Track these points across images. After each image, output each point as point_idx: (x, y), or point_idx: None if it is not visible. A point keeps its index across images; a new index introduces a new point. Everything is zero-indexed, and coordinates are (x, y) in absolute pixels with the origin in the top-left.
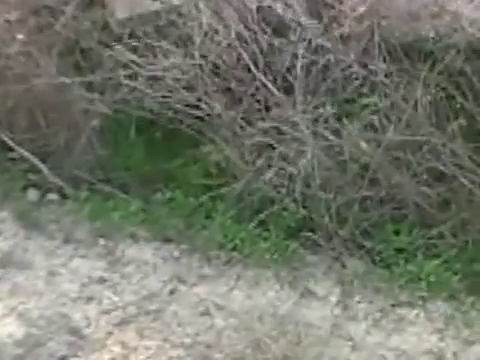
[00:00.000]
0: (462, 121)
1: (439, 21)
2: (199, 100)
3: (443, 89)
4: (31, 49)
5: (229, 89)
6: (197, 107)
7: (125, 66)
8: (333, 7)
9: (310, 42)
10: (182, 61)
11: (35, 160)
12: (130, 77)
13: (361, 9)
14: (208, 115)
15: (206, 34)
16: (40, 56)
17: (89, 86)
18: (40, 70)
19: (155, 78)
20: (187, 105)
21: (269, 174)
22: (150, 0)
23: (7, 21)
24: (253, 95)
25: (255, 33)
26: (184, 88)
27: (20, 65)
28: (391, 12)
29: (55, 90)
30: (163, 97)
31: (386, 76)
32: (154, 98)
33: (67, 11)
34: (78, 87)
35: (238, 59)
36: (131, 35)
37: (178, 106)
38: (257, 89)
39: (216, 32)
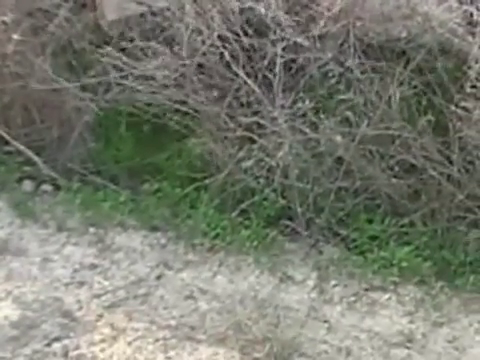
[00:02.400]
0: (431, 117)
1: (411, 22)
2: (186, 96)
3: (414, 86)
4: (26, 49)
5: (213, 86)
6: (184, 103)
7: (115, 66)
8: (310, 8)
9: (289, 41)
10: (169, 60)
11: (30, 153)
12: (121, 76)
13: (336, 9)
14: (194, 111)
15: (191, 35)
16: (35, 56)
17: (82, 84)
18: (35, 69)
19: (144, 77)
20: (174, 101)
21: (248, 164)
22: (137, 3)
23: (3, 22)
24: (236, 91)
25: (237, 34)
26: (172, 86)
27: (16, 64)
28: (365, 13)
29: (49, 88)
30: (152, 93)
31: (361, 73)
32: (143, 95)
33: (60, 13)
34: (71, 85)
35: (221, 58)
36: (121, 36)
37: (166, 102)
38: (239, 86)
39: (200, 33)
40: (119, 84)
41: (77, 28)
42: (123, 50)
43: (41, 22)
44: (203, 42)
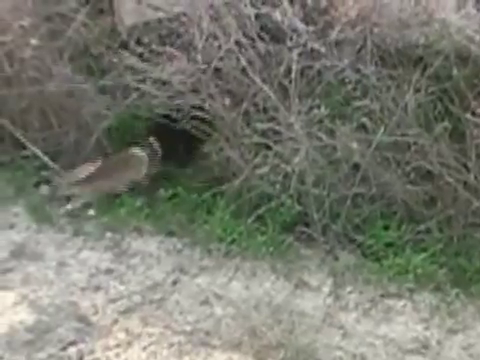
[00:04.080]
0: (447, 124)
1: (428, 29)
2: (203, 102)
3: (431, 93)
4: (44, 54)
5: (230, 92)
6: (200, 109)
7: (133, 71)
8: (327, 13)
9: (305, 47)
10: (186, 66)
11: (46, 158)
12: (137, 81)
13: (353, 15)
14: (211, 116)
15: (207, 40)
16: (52, 60)
17: (99, 89)
18: (52, 74)
19: (161, 82)
20: (191, 107)
21: (264, 170)
22: (154, 9)
23: (21, 27)
24: (252, 97)
25: (253, 40)
26: (188, 91)
27: (33, 68)
28: (382, 19)
29: (66, 92)
30: (169, 98)
31: (378, 80)
32: (160, 100)
33: (78, 18)
34: (88, 90)
35: (237, 64)
36: (138, 41)
37: (183, 108)
38: (255, 92)
39: (216, 38)
40: (136, 89)
41: (94, 33)
42: (140, 55)
43: (59, 27)
44: (219, 48)
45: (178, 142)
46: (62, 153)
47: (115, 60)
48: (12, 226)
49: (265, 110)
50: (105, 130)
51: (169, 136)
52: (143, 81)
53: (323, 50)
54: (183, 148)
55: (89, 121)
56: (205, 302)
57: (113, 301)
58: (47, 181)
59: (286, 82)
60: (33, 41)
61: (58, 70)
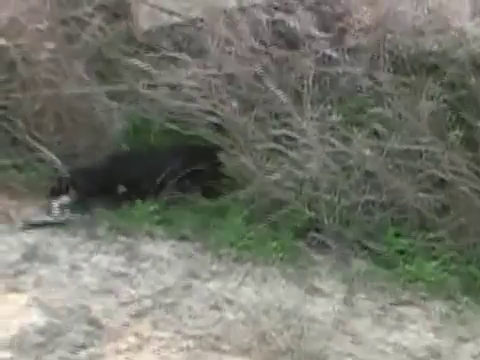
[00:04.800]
0: (459, 132)
1: (443, 36)
2: (215, 107)
3: (445, 101)
4: (59, 57)
5: (243, 97)
6: (213, 114)
7: (146, 75)
8: (342, 20)
9: (320, 53)
10: (199, 71)
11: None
12: (151, 86)
13: (368, 23)
14: (224, 121)
15: (221, 45)
16: (68, 64)
17: (112, 93)
18: (68, 77)
19: (174, 87)
20: (204, 112)
21: (277, 175)
22: (170, 14)
23: (38, 30)
24: (266, 103)
25: (267, 45)
26: (201, 96)
27: (49, 71)
28: (397, 27)
29: (81, 96)
30: (182, 103)
31: (391, 87)
32: (173, 105)
33: (94, 22)
34: (102, 94)
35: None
36: (153, 46)
37: (196, 113)
38: (269, 98)
39: (231, 44)
40: (150, 94)
41: (110, 37)
42: (155, 60)
43: (75, 30)
44: (233, 53)
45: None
46: (77, 156)
47: (129, 64)
48: None
49: (278, 116)
50: (119, 133)
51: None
52: (156, 86)
53: (337, 57)
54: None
55: (103, 125)
56: (216, 307)
57: (124, 305)
58: None
59: (300, 88)
60: (49, 45)
61: (73, 73)
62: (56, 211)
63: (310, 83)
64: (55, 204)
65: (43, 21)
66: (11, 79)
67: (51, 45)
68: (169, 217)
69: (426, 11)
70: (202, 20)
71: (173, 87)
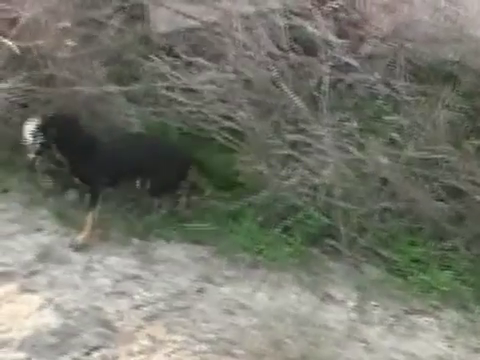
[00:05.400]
0: (475, 141)
1: (460, 45)
2: (232, 112)
3: (461, 109)
4: (79, 57)
5: (260, 102)
6: (230, 118)
7: (164, 78)
8: (360, 27)
9: (337, 60)
10: (217, 75)
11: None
12: (168, 89)
13: (385, 30)
14: (240, 126)
15: (239, 50)
16: (87, 64)
17: (129, 95)
18: (86, 77)
19: (191, 90)
20: (221, 116)
21: (292, 181)
22: (187, 17)
23: (58, 29)
24: (282, 108)
25: (285, 51)
26: (218, 101)
27: (69, 70)
28: (414, 35)
29: (99, 96)
30: (199, 108)
31: (408, 95)
32: (190, 109)
33: (112, 24)
34: (119, 95)
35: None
36: (170, 49)
37: (213, 117)
38: (286, 103)
39: (248, 49)
40: (166, 97)
41: (128, 39)
42: (171, 63)
43: (93, 32)
44: (251, 58)
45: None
46: None
47: (146, 67)
48: (39, 229)
49: (295, 122)
50: None
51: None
52: (173, 89)
53: (355, 63)
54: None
55: (119, 128)
56: (229, 311)
57: (138, 307)
58: (75, 186)
59: (317, 94)
60: (69, 42)
61: (92, 74)
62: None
63: (327, 89)
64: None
65: (63, 22)
66: (31, 78)
67: (71, 44)
68: (184, 220)
69: (443, 20)
70: (219, 24)
71: (190, 90)
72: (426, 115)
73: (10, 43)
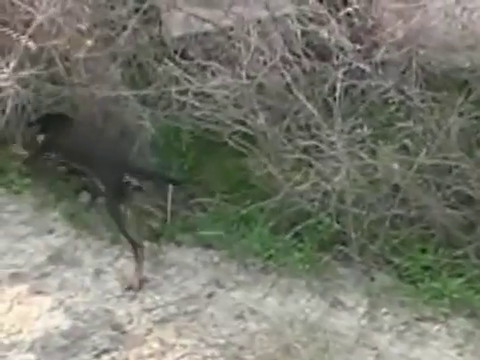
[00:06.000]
0: None
1: (475, 53)
2: (245, 117)
3: (475, 118)
4: (96, 58)
5: (273, 107)
6: (242, 123)
7: (177, 82)
8: (374, 33)
9: (351, 66)
10: (230, 80)
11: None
12: (181, 93)
13: (399, 36)
14: (253, 131)
15: (253, 55)
16: (103, 66)
17: (143, 99)
18: (102, 79)
19: (204, 95)
20: (233, 121)
21: (304, 187)
22: (202, 21)
23: (78, 30)
24: (295, 114)
25: (298, 56)
26: (231, 105)
27: (86, 71)
28: (429, 41)
29: (114, 99)
30: (212, 112)
31: (422, 102)
32: (203, 113)
33: (129, 26)
34: (133, 99)
35: (282, 80)
36: (184, 53)
37: (225, 122)
38: (299, 109)
39: (262, 53)
40: (180, 101)
41: (144, 41)
42: (185, 67)
43: (108, 34)
44: (265, 63)
45: None
46: None
47: (160, 70)
48: (51, 231)
49: (307, 127)
50: (149, 140)
51: None
52: (186, 93)
53: (368, 70)
54: None
55: (133, 130)
56: (240, 316)
57: (148, 311)
58: (87, 188)
59: (330, 100)
60: (88, 42)
61: (108, 76)
62: None
63: (340, 95)
64: None
65: (80, 22)
66: (46, 76)
67: (89, 44)
68: (194, 224)
69: (458, 27)
70: (233, 29)
71: (203, 95)
72: (439, 122)
73: (26, 40)
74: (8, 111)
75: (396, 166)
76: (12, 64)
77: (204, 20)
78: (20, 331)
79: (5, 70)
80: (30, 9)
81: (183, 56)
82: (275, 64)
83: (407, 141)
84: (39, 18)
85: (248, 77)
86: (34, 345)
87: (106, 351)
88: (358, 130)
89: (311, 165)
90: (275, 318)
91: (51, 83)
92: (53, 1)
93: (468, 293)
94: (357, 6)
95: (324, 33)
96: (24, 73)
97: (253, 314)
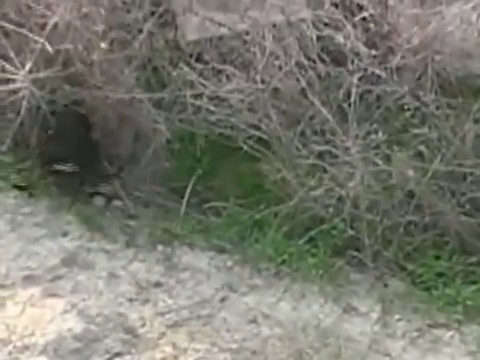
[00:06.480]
0: None
1: None
2: (259, 121)
3: None
4: (111, 61)
5: (287, 112)
6: (257, 128)
7: (192, 86)
8: (390, 39)
9: (366, 71)
10: (245, 84)
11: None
12: (195, 97)
13: (415, 42)
14: (267, 135)
15: (268, 59)
16: (119, 69)
17: (158, 102)
18: (117, 81)
19: (219, 99)
20: (248, 125)
21: (318, 192)
22: (217, 25)
23: (94, 33)
24: (310, 119)
25: (314, 61)
26: (246, 110)
27: (101, 74)
28: (445, 48)
29: (128, 102)
30: (226, 116)
31: (437, 108)
32: (218, 117)
33: (144, 29)
34: (148, 102)
35: (297, 85)
36: (199, 57)
37: (240, 126)
38: (313, 114)
39: (277, 58)
40: (195, 105)
41: (159, 45)
42: (200, 71)
43: (124, 36)
44: (280, 68)
45: None
46: (119, 163)
47: (175, 74)
48: (65, 234)
49: (322, 132)
50: (164, 143)
51: None
52: (201, 97)
53: (383, 75)
54: None
55: (148, 133)
56: (252, 321)
57: (161, 314)
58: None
59: (345, 105)
60: (103, 45)
61: (124, 79)
62: None
63: (355, 101)
64: None
65: (95, 25)
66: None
67: (105, 47)
68: (208, 228)
69: (475, 33)
70: (249, 33)
71: (218, 99)
72: (454, 129)
73: (42, 41)
74: (23, 112)
75: (411, 172)
76: (28, 65)
77: (220, 24)
78: (33, 334)
79: (21, 71)
80: (46, 12)
81: (198, 60)
82: (290, 69)
83: (422, 147)
84: (55, 20)
85: (263, 81)
86: (47, 348)
87: (118, 354)
88: (373, 136)
89: (325, 170)
90: (288, 323)
91: (67, 85)
92: (69, 4)
93: None
94: (373, 11)
95: (340, 38)
96: (40, 74)
97: (266, 319)
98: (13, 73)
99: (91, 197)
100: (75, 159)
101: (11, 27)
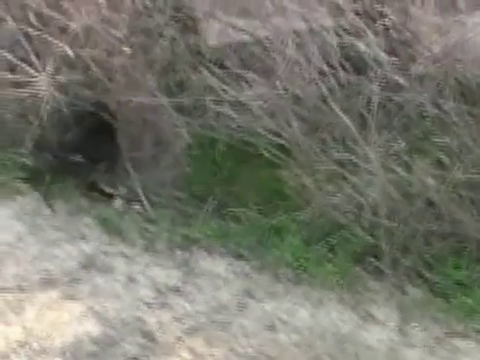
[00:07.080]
0: None
1: None
2: (280, 128)
3: None
4: (133, 65)
5: (308, 119)
6: (277, 134)
7: (213, 91)
8: (411, 47)
9: (387, 79)
10: (265, 91)
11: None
12: (216, 102)
13: (436, 50)
14: (288, 142)
15: (289, 66)
16: (140, 73)
17: (179, 107)
18: (139, 86)
19: (239, 104)
20: (268, 132)
21: (338, 198)
22: (239, 31)
23: (116, 38)
24: (330, 126)
25: (335, 68)
26: (266, 116)
27: (123, 77)
28: (465, 55)
29: (149, 106)
30: (247, 122)
31: (457, 117)
32: (238, 123)
33: (167, 34)
34: (170, 107)
35: (318, 92)
36: (220, 63)
37: (260, 132)
38: (334, 121)
39: (298, 65)
40: (215, 110)
41: (180, 50)
42: (221, 77)
43: (146, 41)
44: (301, 75)
45: None
46: (139, 166)
47: (196, 79)
48: (83, 237)
49: (342, 140)
50: (184, 148)
51: None
52: (221, 102)
53: (404, 83)
54: None
55: (168, 138)
56: (270, 327)
57: (178, 319)
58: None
59: (365, 113)
60: (126, 49)
61: (144, 83)
62: None
63: (376, 108)
64: None
65: (118, 30)
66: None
67: (127, 51)
68: (227, 234)
69: None
70: (270, 40)
71: (238, 104)
72: (474, 137)
73: (64, 46)
74: (44, 115)
75: (430, 180)
76: (49, 69)
77: (241, 30)
78: (50, 336)
79: (42, 75)
80: (67, 16)
81: (219, 65)
82: (311, 76)
83: (442, 155)
84: (76, 25)
85: (284, 88)
86: (64, 351)
87: (136, 358)
88: (393, 144)
89: (345, 177)
90: (305, 330)
91: (88, 89)
92: (91, 8)
93: None
94: (394, 19)
95: (361, 46)
96: (61, 78)
97: (284, 325)
98: (34, 77)
99: (109, 200)
100: (96, 162)
101: (33, 31)
